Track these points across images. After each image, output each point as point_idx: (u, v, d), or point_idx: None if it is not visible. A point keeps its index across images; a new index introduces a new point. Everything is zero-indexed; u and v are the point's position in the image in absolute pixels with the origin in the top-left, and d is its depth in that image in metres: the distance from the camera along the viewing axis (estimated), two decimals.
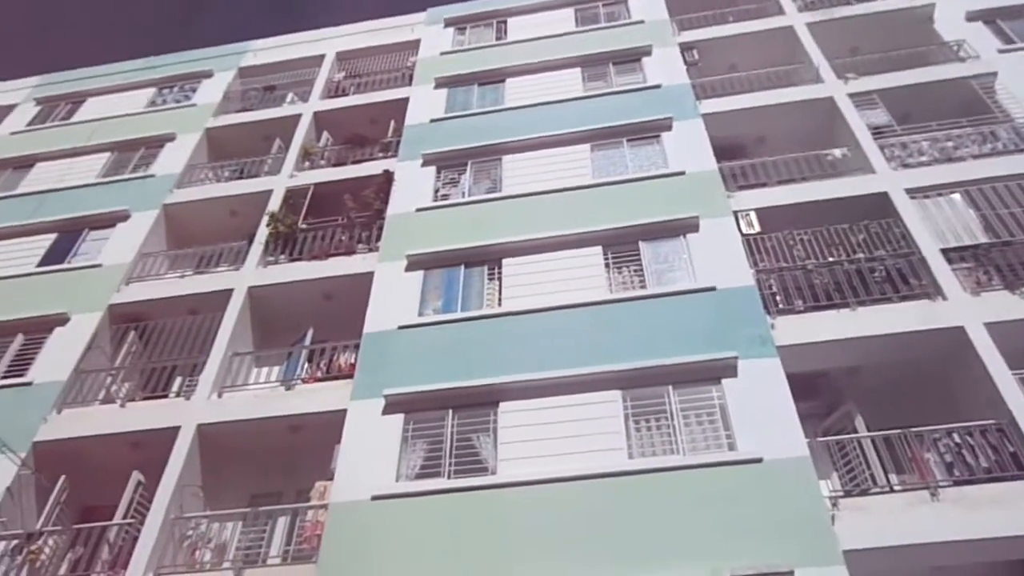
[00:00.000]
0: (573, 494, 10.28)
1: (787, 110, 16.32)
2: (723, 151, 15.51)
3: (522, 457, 10.82)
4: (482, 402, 11.66)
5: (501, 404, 11.56)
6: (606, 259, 13.52)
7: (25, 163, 19.93)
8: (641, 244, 13.58)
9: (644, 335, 12.01)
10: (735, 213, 13.75)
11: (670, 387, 11.25)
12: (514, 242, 14.01)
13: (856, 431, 10.89)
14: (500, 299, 13.33)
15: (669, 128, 15.93)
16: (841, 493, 10.27)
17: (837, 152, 14.97)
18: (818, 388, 12.33)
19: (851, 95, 16.05)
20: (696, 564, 9.19)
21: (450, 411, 11.68)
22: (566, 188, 15.03)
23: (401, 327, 13.10)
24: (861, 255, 12.79)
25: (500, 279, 13.65)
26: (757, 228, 13.51)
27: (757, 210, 13.81)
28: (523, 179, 15.58)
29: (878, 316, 11.84)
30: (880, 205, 13.60)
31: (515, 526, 10.16)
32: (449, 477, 10.92)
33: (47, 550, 11.59)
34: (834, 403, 11.91)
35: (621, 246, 13.64)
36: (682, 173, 14.76)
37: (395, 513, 10.62)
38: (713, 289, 12.45)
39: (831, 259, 12.86)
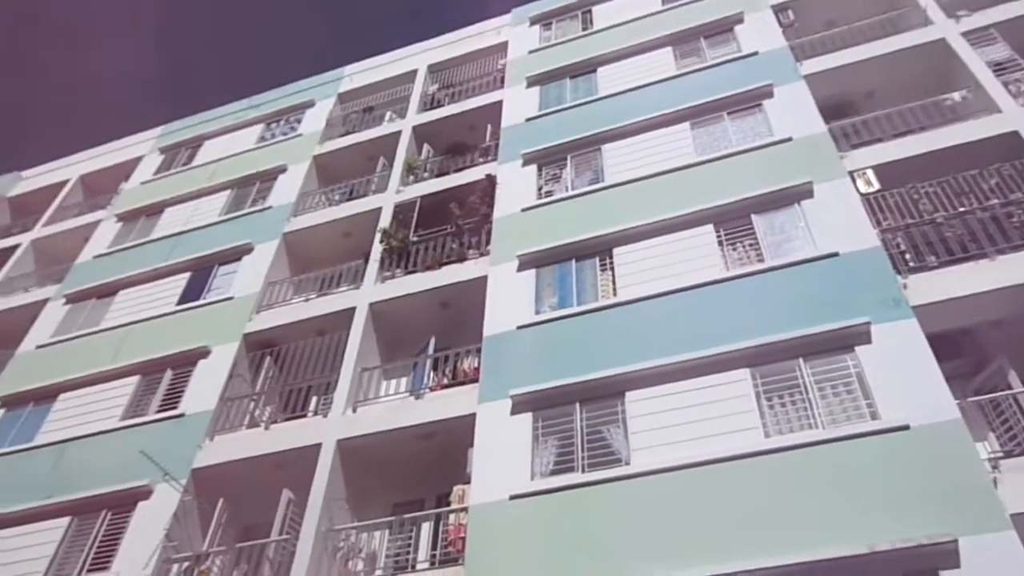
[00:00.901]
0: (711, 478, 10.09)
1: (896, 59, 15.50)
2: (831, 111, 14.90)
3: (655, 445, 10.70)
4: (608, 393, 11.61)
5: (628, 394, 11.48)
6: (719, 236, 13.21)
7: (156, 210, 21.34)
8: (754, 217, 13.20)
9: (767, 310, 11.67)
10: (850, 173, 13.18)
11: (801, 360, 10.88)
12: (623, 230, 13.89)
13: (1010, 387, 10.21)
14: (615, 289, 13.25)
15: (771, 95, 15.42)
16: (1001, 454, 9.66)
17: (956, 96, 14.10)
18: (961, 346, 11.63)
19: (965, 33, 15.10)
20: (850, 541, 8.81)
21: (577, 405, 11.69)
22: (669, 170, 14.79)
23: (520, 327, 13.22)
24: (995, 201, 11.96)
25: (612, 269, 13.56)
26: (876, 186, 12.91)
27: (874, 167, 13.20)
28: (625, 166, 15.43)
29: (1021, 263, 11.07)
30: (1010, 145, 12.72)
31: (655, 515, 10.06)
32: (583, 471, 10.93)
33: (215, 569, 12.35)
34: (981, 360, 11.21)
35: (733, 222, 13.31)
36: (789, 139, 14.26)
37: (534, 510, 10.72)
38: (836, 255, 11.95)
39: (962, 209, 12.08)
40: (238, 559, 12.44)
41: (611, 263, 13.68)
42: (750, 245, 12.94)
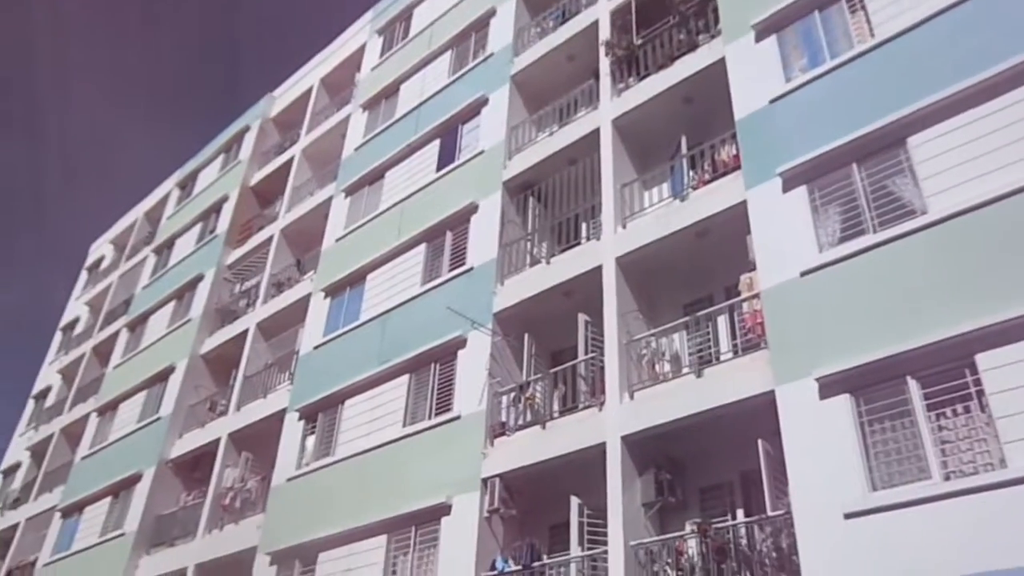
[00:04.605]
0: None
1: None
2: None
3: (953, 186, 9.73)
4: (887, 144, 10.68)
5: (909, 139, 10.46)
6: None
7: (392, 90, 22.39)
8: None
9: None
10: None
11: None
12: None
13: None
14: (871, 30, 11.85)
15: None
16: None
17: None
18: None
19: None
20: None
21: (853, 166, 10.92)
22: None
23: (772, 100, 12.39)
24: None
25: (864, 7, 12.09)
26: None
27: None
28: None
29: None
30: None
31: (965, 260, 9.28)
32: (875, 231, 10.31)
33: (538, 394, 13.64)
34: None
35: None
36: None
37: (828, 281, 10.40)
38: None
39: None
40: (555, 382, 13.62)
41: (861, 1, 12.21)
42: None
